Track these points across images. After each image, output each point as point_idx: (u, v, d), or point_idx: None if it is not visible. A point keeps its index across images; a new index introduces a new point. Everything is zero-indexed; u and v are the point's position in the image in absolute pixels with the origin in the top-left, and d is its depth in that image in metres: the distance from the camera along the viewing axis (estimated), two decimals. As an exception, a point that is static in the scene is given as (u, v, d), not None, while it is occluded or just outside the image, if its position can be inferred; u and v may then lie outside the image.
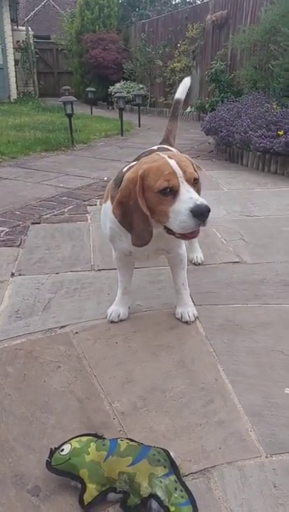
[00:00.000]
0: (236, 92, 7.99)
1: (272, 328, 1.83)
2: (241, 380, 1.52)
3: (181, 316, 1.89)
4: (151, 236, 1.51)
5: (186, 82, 2.49)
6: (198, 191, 1.49)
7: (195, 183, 1.47)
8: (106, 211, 1.70)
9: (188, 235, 1.49)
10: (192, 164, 1.52)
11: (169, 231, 1.50)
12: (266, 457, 1.22)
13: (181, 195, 1.41)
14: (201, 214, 1.38)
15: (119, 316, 1.90)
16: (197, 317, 1.90)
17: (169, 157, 1.46)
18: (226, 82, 8.46)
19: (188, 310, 1.90)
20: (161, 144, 2.20)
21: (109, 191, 1.67)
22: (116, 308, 1.91)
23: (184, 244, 1.84)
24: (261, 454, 1.23)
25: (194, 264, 2.43)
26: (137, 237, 1.53)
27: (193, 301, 1.96)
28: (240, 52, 8.00)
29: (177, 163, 1.43)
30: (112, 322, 1.88)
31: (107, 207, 1.66)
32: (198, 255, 2.47)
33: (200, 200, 1.40)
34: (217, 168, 4.90)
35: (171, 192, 1.42)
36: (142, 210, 1.47)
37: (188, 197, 1.40)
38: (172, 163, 1.43)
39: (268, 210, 3.38)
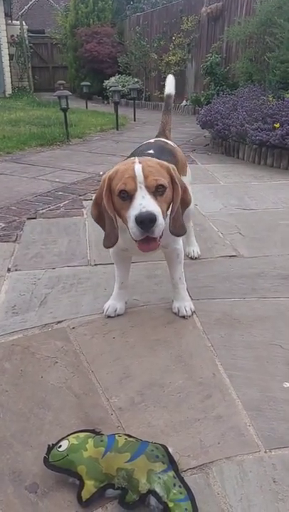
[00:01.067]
0: (232, 85, 7.96)
1: (270, 321, 1.82)
2: (239, 374, 1.52)
3: (178, 311, 1.88)
4: (116, 238, 1.52)
5: (171, 77, 2.49)
6: (166, 199, 1.46)
7: (160, 190, 1.43)
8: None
9: (142, 246, 1.43)
10: (168, 170, 1.49)
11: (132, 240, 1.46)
12: (265, 452, 1.21)
13: (134, 200, 1.39)
14: (141, 222, 1.35)
15: (116, 310, 1.89)
16: (194, 311, 1.89)
17: (139, 162, 1.44)
18: (221, 75, 8.43)
19: (186, 304, 1.89)
20: (157, 137, 2.19)
21: None
22: (113, 303, 1.90)
23: (180, 240, 1.82)
24: (260, 449, 1.22)
25: (191, 258, 2.42)
26: (105, 238, 1.55)
27: (190, 296, 1.95)
28: (236, 44, 7.96)
29: (142, 168, 1.41)
30: (108, 317, 1.87)
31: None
32: (195, 249, 2.46)
33: (146, 207, 1.36)
34: (213, 162, 4.88)
35: (128, 196, 1.41)
36: (107, 211, 1.48)
37: (138, 203, 1.38)
38: (137, 167, 1.41)
39: (264, 204, 3.37)
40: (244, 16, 7.71)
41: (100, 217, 1.55)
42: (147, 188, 1.40)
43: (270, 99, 5.16)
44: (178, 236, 1.61)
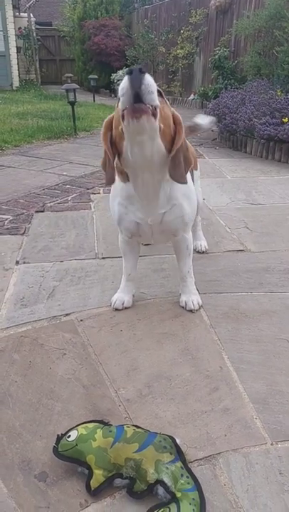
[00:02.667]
0: (240, 79, 7.92)
1: (277, 316, 1.83)
2: (246, 367, 1.53)
3: (186, 304, 1.89)
4: (114, 174, 1.55)
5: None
6: (162, 107, 1.41)
7: (159, 93, 1.38)
8: (115, 187, 1.71)
9: (132, 110, 1.32)
10: (174, 112, 1.50)
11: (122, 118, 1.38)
12: (271, 444, 1.22)
13: None
14: (129, 70, 1.28)
15: (123, 303, 1.90)
16: (201, 306, 1.90)
17: None
18: (229, 69, 8.37)
19: (193, 298, 1.90)
20: None
21: None
22: (120, 296, 1.92)
23: (190, 231, 1.83)
24: (266, 442, 1.23)
25: (198, 252, 2.43)
26: (106, 176, 1.57)
27: (197, 290, 1.96)
28: (244, 38, 7.89)
29: None
30: (116, 310, 1.89)
31: (116, 184, 1.66)
32: (203, 243, 2.47)
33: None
34: (220, 156, 4.87)
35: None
36: (105, 146, 1.50)
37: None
38: None
39: (272, 198, 3.37)
40: (253, 9, 7.65)
41: (104, 162, 1.57)
42: None
43: (279, 93, 5.13)
44: (177, 181, 1.54)
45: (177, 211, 1.68)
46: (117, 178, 1.61)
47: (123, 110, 1.34)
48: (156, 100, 1.35)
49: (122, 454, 1.10)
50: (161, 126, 1.41)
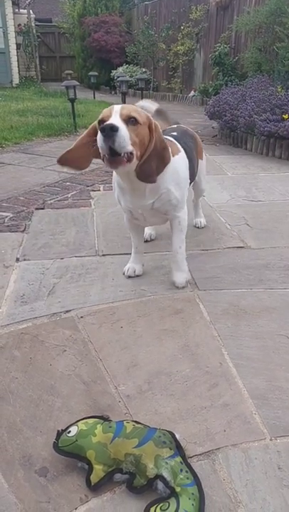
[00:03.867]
0: (240, 76, 7.91)
1: (277, 312, 1.83)
2: (245, 363, 1.53)
3: (174, 281, 2.02)
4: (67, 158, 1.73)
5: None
6: (139, 135, 1.57)
7: (132, 121, 1.54)
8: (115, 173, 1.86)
9: (109, 162, 1.54)
10: (148, 117, 1.62)
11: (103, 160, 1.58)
12: (270, 440, 1.23)
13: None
14: (102, 129, 1.46)
15: (135, 271, 2.11)
16: (189, 282, 2.03)
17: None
18: (229, 66, 8.36)
19: (182, 275, 2.02)
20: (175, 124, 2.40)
21: None
22: (132, 266, 2.13)
23: (183, 209, 1.95)
24: (265, 437, 1.24)
25: (197, 227, 2.69)
26: (63, 154, 1.73)
27: (197, 286, 1.98)
28: (245, 34, 7.88)
29: (120, 107, 1.56)
30: (129, 277, 2.10)
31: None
32: (202, 220, 2.73)
33: (111, 121, 1.48)
34: (221, 153, 4.87)
35: (103, 123, 1.52)
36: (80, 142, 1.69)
37: (108, 122, 1.50)
38: (116, 106, 1.57)
39: (272, 195, 3.37)
40: (253, 5, 7.64)
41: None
42: (120, 115, 1.53)
43: (279, 89, 5.13)
44: (144, 181, 1.69)
45: (165, 197, 1.84)
46: None
47: (103, 156, 1.54)
48: (129, 146, 1.52)
49: (122, 450, 1.11)
50: (137, 155, 1.58)
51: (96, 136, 1.54)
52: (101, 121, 1.55)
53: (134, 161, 1.59)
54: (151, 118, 1.65)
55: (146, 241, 2.46)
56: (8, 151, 4.98)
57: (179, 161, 1.88)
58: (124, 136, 1.49)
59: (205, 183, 2.63)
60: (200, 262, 2.25)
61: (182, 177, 1.91)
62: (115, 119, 1.51)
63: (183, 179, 1.92)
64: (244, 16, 7.20)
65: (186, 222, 1.99)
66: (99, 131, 1.48)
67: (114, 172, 1.85)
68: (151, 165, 1.64)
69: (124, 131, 1.49)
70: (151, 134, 1.62)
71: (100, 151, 1.53)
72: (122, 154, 1.51)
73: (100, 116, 1.57)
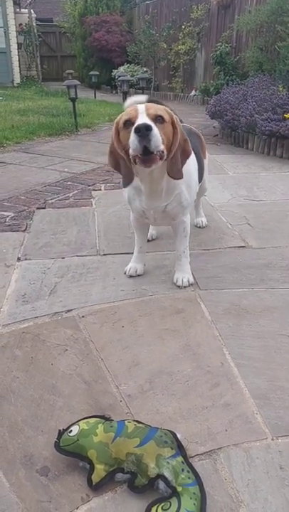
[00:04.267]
0: (241, 75, 7.90)
1: (278, 312, 1.83)
2: (247, 363, 1.53)
3: (177, 281, 2.04)
4: (132, 176, 1.72)
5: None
6: (166, 132, 1.60)
7: (160, 119, 1.58)
8: None
9: (143, 161, 1.56)
10: (170, 113, 1.65)
11: (135, 161, 1.61)
12: (272, 439, 1.23)
13: (136, 123, 1.52)
14: (137, 129, 1.48)
15: (136, 271, 2.12)
16: (192, 284, 2.03)
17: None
18: (231, 65, 8.35)
19: (184, 276, 2.04)
20: None
21: None
22: (133, 265, 2.13)
23: (188, 214, 2.00)
24: (267, 437, 1.24)
25: (199, 227, 2.69)
26: (123, 178, 1.75)
27: (198, 286, 1.98)
28: (246, 33, 7.87)
29: (145, 106, 1.59)
30: (130, 277, 2.10)
31: None
32: (203, 219, 2.73)
33: (144, 121, 1.51)
34: (222, 153, 4.86)
35: (131, 124, 1.55)
36: (119, 152, 1.67)
37: (138, 121, 1.51)
38: (140, 105, 1.60)
39: (273, 195, 3.37)
40: (255, 4, 7.62)
41: (116, 163, 1.75)
42: (148, 115, 1.56)
43: (281, 89, 5.12)
44: (174, 178, 1.72)
45: (178, 198, 1.87)
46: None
47: (134, 156, 1.56)
48: (162, 146, 1.56)
49: (123, 449, 1.11)
50: (165, 152, 1.61)
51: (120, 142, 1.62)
52: (128, 122, 1.57)
53: (163, 161, 1.63)
54: (172, 113, 1.67)
55: (148, 241, 2.44)
56: (9, 151, 4.98)
57: (190, 163, 1.89)
58: (158, 135, 1.52)
59: (207, 182, 2.64)
60: (201, 262, 2.25)
61: (193, 179, 1.96)
62: (146, 119, 1.53)
63: (193, 181, 1.97)
64: (245, 15, 7.19)
65: (190, 227, 2.03)
66: (132, 133, 1.50)
67: None
68: (178, 159, 1.69)
69: (156, 130, 1.52)
70: (174, 129, 1.66)
71: (132, 152, 1.55)
72: (155, 152, 1.54)
73: (125, 117, 1.58)
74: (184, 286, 2.01)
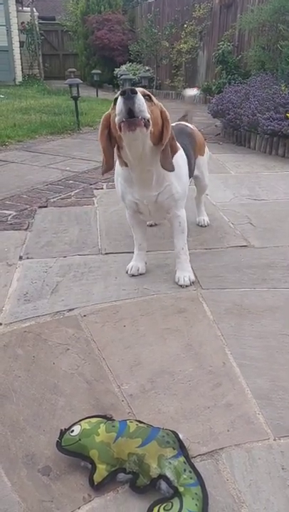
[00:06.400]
0: (244, 74, 7.87)
1: (281, 312, 1.82)
2: (249, 363, 1.53)
3: (178, 280, 2.05)
4: (112, 161, 1.82)
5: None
6: (154, 112, 1.64)
7: (147, 97, 1.61)
8: (117, 168, 1.94)
9: (126, 125, 1.56)
10: (161, 106, 1.71)
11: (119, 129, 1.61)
12: (274, 440, 1.23)
13: None
14: (123, 91, 1.51)
15: (138, 270, 2.12)
16: (193, 282, 2.05)
17: None
18: (233, 64, 8.32)
19: (186, 275, 2.05)
20: (178, 121, 2.50)
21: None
22: (135, 264, 2.13)
23: (183, 209, 2.01)
24: (269, 437, 1.24)
25: (201, 226, 2.69)
26: (103, 163, 1.83)
27: (200, 285, 1.99)
28: (248, 32, 7.84)
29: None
30: (132, 276, 2.10)
31: (118, 166, 1.90)
32: (205, 218, 2.73)
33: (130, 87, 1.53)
34: (224, 152, 4.85)
35: None
36: (101, 144, 1.77)
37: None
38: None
39: (275, 194, 3.36)
40: (257, 3, 7.60)
41: (102, 146, 1.80)
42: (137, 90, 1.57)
43: (283, 88, 5.10)
44: (167, 170, 1.77)
45: (168, 190, 1.89)
46: (117, 162, 1.87)
47: (120, 123, 1.57)
48: (147, 113, 1.58)
49: (125, 449, 1.11)
50: (151, 130, 1.64)
51: (109, 126, 1.70)
52: (117, 98, 1.58)
53: (148, 134, 1.63)
54: (163, 107, 1.72)
55: (150, 225, 2.62)
56: (11, 149, 4.98)
57: (179, 157, 1.92)
58: (143, 100, 1.54)
59: (207, 180, 2.64)
60: (203, 261, 2.24)
61: (183, 173, 1.98)
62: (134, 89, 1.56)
63: (184, 175, 1.99)
64: (248, 14, 7.16)
65: (186, 223, 2.04)
66: (119, 97, 1.52)
67: (118, 169, 1.93)
68: (169, 152, 1.75)
69: (142, 97, 1.55)
70: (164, 120, 1.70)
71: (117, 118, 1.57)
72: (140, 117, 1.55)
73: (117, 94, 1.59)
74: (186, 285, 2.02)
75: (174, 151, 1.81)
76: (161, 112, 1.70)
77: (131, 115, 1.53)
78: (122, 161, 1.81)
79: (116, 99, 1.57)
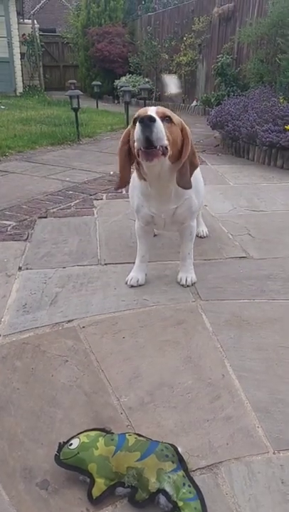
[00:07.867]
0: (242, 86, 7.94)
1: (280, 323, 1.82)
2: (248, 376, 1.52)
3: (180, 280, 2.13)
4: (128, 179, 1.85)
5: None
6: (173, 134, 1.64)
7: (167, 119, 1.62)
8: (133, 181, 1.96)
9: (145, 155, 1.58)
10: (181, 123, 1.71)
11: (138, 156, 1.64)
12: (273, 453, 1.22)
13: None
14: (141, 119, 1.51)
15: (138, 281, 2.12)
16: (194, 283, 2.12)
17: None
18: (232, 76, 8.40)
19: (188, 276, 2.13)
20: None
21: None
22: (135, 275, 2.13)
23: (195, 219, 2.09)
24: (268, 450, 1.23)
25: (200, 237, 2.68)
26: (119, 180, 1.85)
27: (199, 296, 1.98)
28: (247, 45, 7.92)
29: (156, 107, 1.65)
30: (132, 287, 2.10)
31: (134, 176, 1.92)
32: (204, 229, 2.75)
33: (149, 113, 1.54)
34: (223, 163, 4.88)
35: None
36: (121, 148, 1.77)
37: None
38: (151, 107, 1.65)
39: (274, 205, 3.37)
40: (256, 17, 7.69)
41: (120, 165, 1.82)
42: (156, 113, 1.59)
43: (281, 100, 5.15)
44: (183, 188, 1.77)
45: (187, 203, 1.92)
46: (135, 174, 1.89)
47: (138, 150, 1.59)
48: (165, 140, 1.58)
49: (124, 463, 1.10)
50: (170, 152, 1.64)
51: (128, 142, 1.69)
52: (136, 119, 1.58)
53: (167, 158, 1.64)
54: (183, 123, 1.72)
55: (155, 235, 2.67)
56: (11, 160, 5.00)
57: (198, 171, 1.94)
58: (161, 127, 1.55)
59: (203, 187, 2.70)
60: (202, 272, 2.24)
61: (201, 186, 2.03)
62: (152, 113, 1.56)
63: (201, 188, 2.04)
64: (246, 27, 7.25)
65: (196, 231, 2.13)
66: (137, 124, 1.52)
67: (134, 182, 1.95)
68: (188, 170, 1.74)
69: (160, 123, 1.55)
70: (184, 138, 1.70)
71: (136, 144, 1.57)
72: (158, 147, 1.56)
73: (136, 115, 1.60)
74: (188, 285, 2.10)
75: (195, 166, 1.80)
76: (182, 130, 1.70)
77: (149, 143, 1.53)
78: (140, 174, 1.82)
79: (136, 119, 1.57)
